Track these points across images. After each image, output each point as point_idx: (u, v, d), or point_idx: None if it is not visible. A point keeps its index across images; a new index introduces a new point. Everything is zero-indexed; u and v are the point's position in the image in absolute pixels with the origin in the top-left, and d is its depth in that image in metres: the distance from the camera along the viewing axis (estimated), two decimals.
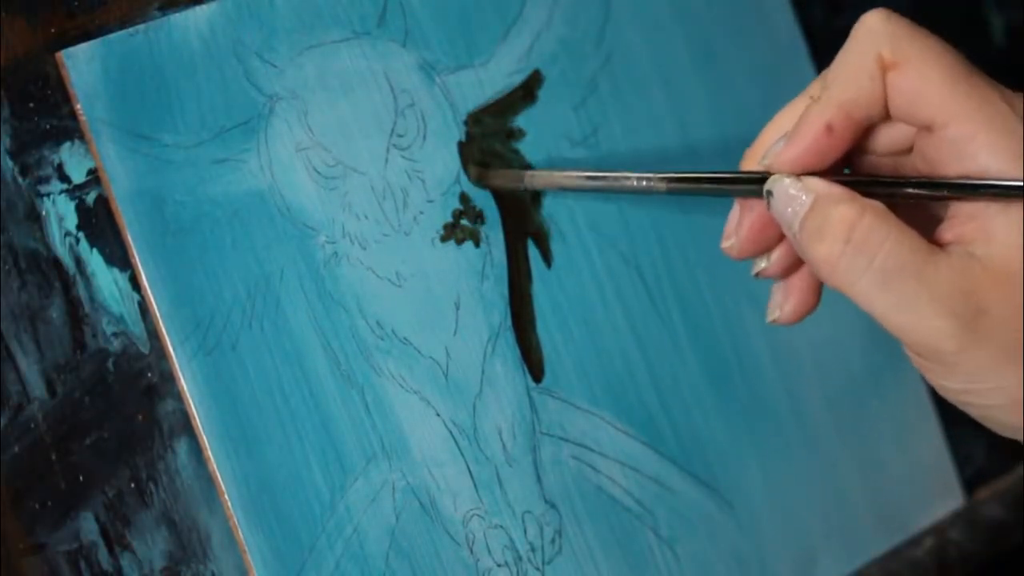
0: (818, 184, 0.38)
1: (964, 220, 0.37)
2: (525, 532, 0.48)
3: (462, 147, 0.49)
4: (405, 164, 0.48)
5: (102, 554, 0.42)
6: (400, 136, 0.48)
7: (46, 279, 0.43)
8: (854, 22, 0.39)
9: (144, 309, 0.44)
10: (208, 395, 0.44)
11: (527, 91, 0.51)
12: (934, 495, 0.57)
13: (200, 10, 0.45)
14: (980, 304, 0.35)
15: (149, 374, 0.44)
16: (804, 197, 0.38)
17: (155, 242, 0.43)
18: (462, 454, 0.48)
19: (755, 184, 0.40)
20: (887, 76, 0.37)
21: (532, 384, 0.49)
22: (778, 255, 0.41)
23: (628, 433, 0.51)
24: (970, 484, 0.58)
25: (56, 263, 0.43)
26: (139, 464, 0.43)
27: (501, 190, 0.48)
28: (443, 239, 0.48)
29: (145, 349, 0.44)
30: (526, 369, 0.49)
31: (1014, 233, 0.36)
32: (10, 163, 0.42)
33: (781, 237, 0.41)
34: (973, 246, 0.36)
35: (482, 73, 0.50)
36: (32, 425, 0.42)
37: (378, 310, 0.47)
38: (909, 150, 0.39)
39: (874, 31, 0.38)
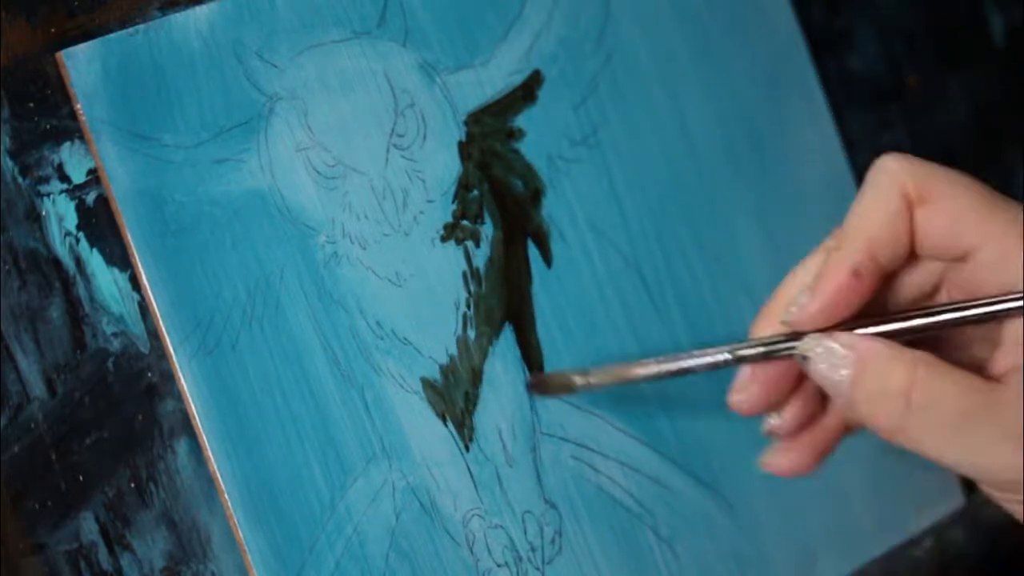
0: (859, 341, 0.36)
1: (1012, 346, 0.36)
2: (525, 532, 0.48)
3: (462, 147, 0.49)
4: (405, 164, 0.48)
5: (102, 554, 0.42)
6: (400, 136, 0.48)
7: (46, 279, 0.43)
8: (854, 22, 0.39)
9: (144, 309, 0.44)
10: (208, 395, 0.44)
11: (527, 91, 0.51)
12: (934, 495, 0.56)
13: (200, 10, 0.45)
14: None
15: (149, 374, 0.44)
16: (846, 361, 0.36)
17: (155, 242, 0.43)
18: (462, 454, 0.47)
19: (782, 345, 0.38)
20: (916, 213, 0.36)
21: None
22: (792, 413, 0.40)
23: (628, 433, 0.51)
24: (970, 484, 0.57)
25: (56, 263, 0.43)
26: (139, 464, 0.43)
27: (554, 386, 0.47)
28: (443, 239, 0.48)
29: (145, 349, 0.44)
30: (526, 369, 0.49)
31: None
32: (10, 163, 0.42)
33: (795, 389, 0.40)
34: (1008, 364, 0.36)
35: (482, 73, 0.50)
36: (32, 425, 0.42)
37: (378, 310, 0.47)
38: (934, 292, 0.39)
39: (894, 170, 0.37)
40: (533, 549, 0.48)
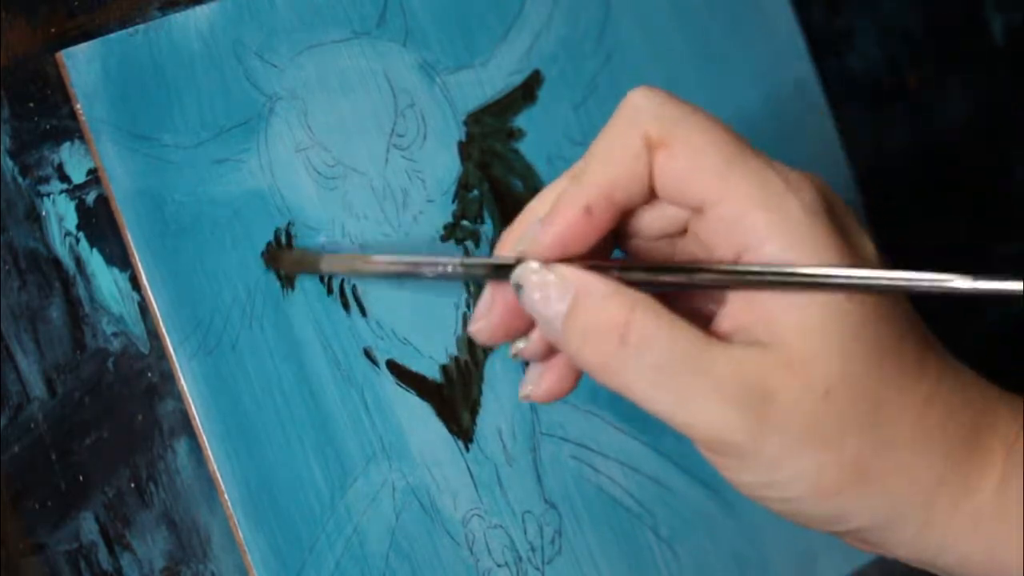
0: (578, 275, 0.35)
1: (742, 307, 0.35)
2: (525, 532, 0.48)
3: (462, 147, 0.49)
4: (405, 164, 0.48)
5: (102, 554, 0.42)
6: (400, 136, 0.48)
7: (46, 279, 0.43)
8: (854, 22, 0.38)
9: (144, 309, 0.44)
10: (208, 395, 0.43)
11: (527, 91, 0.51)
12: None
13: (200, 10, 0.45)
14: (767, 392, 0.33)
15: (149, 374, 0.44)
16: (561, 293, 0.35)
17: (155, 242, 0.43)
18: (462, 454, 0.47)
19: (505, 268, 0.36)
20: (654, 157, 0.35)
21: None
22: (538, 336, 0.38)
23: (628, 433, 0.51)
24: None
25: (56, 263, 0.43)
26: (139, 464, 0.43)
27: (292, 273, 0.45)
28: (443, 239, 0.48)
29: (145, 349, 0.44)
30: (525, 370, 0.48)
31: (795, 317, 0.34)
32: (10, 163, 0.42)
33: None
34: (754, 333, 0.34)
35: (482, 73, 0.50)
36: (32, 425, 0.42)
37: (378, 310, 0.47)
38: (682, 233, 0.37)
39: (640, 109, 0.35)
40: (533, 549, 0.48)
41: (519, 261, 0.36)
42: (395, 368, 0.47)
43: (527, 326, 0.38)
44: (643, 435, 0.51)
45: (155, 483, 0.43)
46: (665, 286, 0.36)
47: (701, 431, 0.34)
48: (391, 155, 0.48)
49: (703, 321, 0.36)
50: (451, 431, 0.48)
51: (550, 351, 0.39)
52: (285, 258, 0.45)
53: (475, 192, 0.49)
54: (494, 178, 0.50)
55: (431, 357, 0.47)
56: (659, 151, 0.35)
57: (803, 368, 0.34)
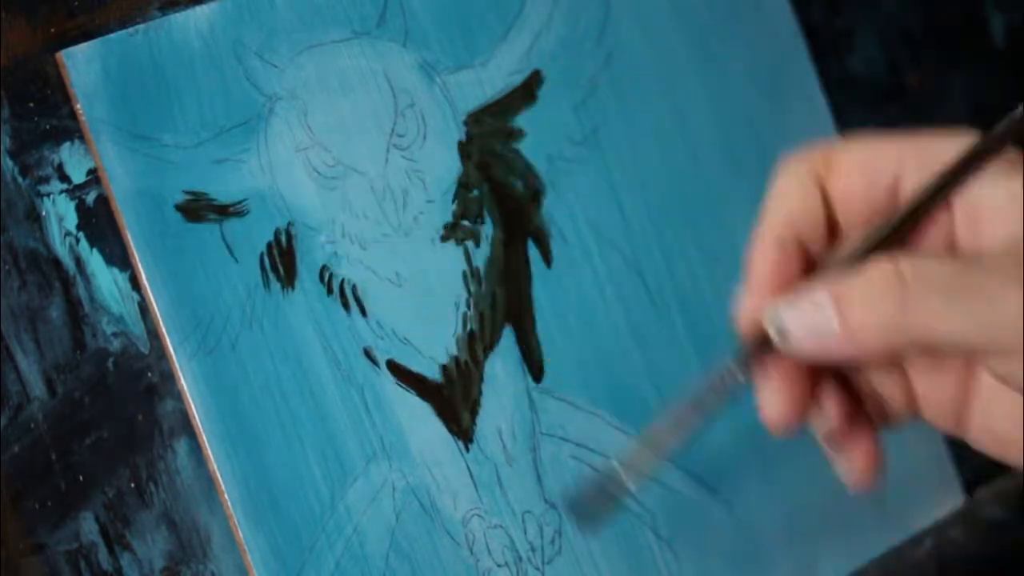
0: (824, 281, 0.34)
1: (967, 224, 0.35)
2: (525, 532, 0.48)
3: (462, 147, 0.49)
4: (405, 164, 0.48)
5: (102, 554, 0.43)
6: (400, 136, 0.48)
7: (46, 279, 0.43)
8: (854, 22, 0.38)
9: (144, 309, 0.44)
10: (208, 395, 0.44)
11: (527, 91, 0.51)
12: (934, 495, 0.56)
13: (200, 10, 0.45)
14: None
15: (149, 374, 0.44)
16: (822, 298, 0.34)
17: (155, 242, 0.44)
18: (462, 454, 0.48)
19: (748, 361, 0.34)
20: (831, 180, 0.36)
21: (532, 384, 0.49)
22: (832, 401, 0.36)
23: (628, 433, 0.50)
24: (970, 484, 0.57)
25: (56, 263, 0.43)
26: (139, 464, 0.44)
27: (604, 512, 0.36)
28: (443, 239, 0.48)
29: (145, 349, 0.44)
30: (526, 369, 0.49)
31: (1012, 198, 0.34)
32: (10, 163, 0.43)
33: (816, 380, 0.36)
34: (990, 234, 0.34)
35: (482, 73, 0.50)
36: (32, 425, 0.42)
37: (378, 310, 0.47)
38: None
39: (799, 155, 0.36)
40: (533, 549, 0.48)
41: (746, 351, 0.35)
42: (395, 368, 0.47)
43: (810, 388, 0.36)
44: None
45: (155, 483, 0.44)
46: (891, 241, 0.35)
47: (1006, 329, 0.33)
48: (391, 155, 0.48)
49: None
50: (451, 431, 0.48)
51: (849, 421, 0.37)
52: (591, 502, 0.36)
53: (475, 192, 0.49)
54: (494, 178, 0.50)
55: (431, 357, 0.48)
56: (832, 172, 0.36)
57: None
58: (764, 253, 0.36)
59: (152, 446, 0.44)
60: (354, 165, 0.47)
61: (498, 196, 0.50)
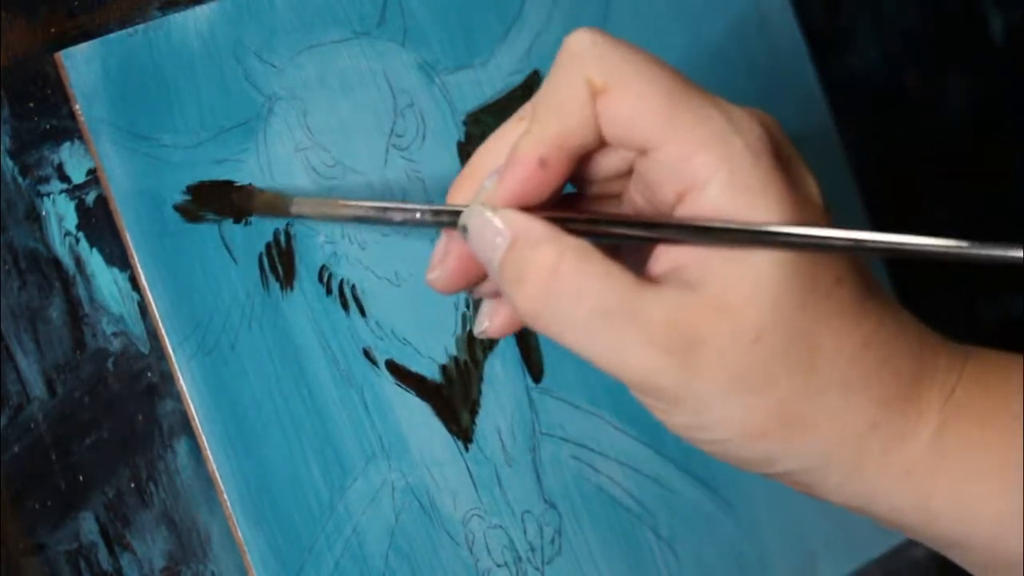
0: (517, 220, 0.35)
1: (676, 251, 0.35)
2: (525, 532, 0.48)
3: (462, 147, 0.49)
4: (404, 164, 0.48)
5: (102, 554, 0.42)
6: (399, 136, 0.48)
7: (46, 279, 0.43)
8: (854, 22, 0.38)
9: (144, 309, 0.44)
10: (207, 395, 0.43)
11: (527, 91, 0.50)
12: None
13: (200, 10, 0.45)
14: (696, 337, 0.33)
15: (149, 374, 0.44)
16: (501, 237, 0.35)
17: (154, 242, 0.43)
18: (461, 454, 0.47)
19: (456, 217, 0.37)
20: (598, 102, 0.35)
21: (532, 384, 0.49)
22: (490, 283, 0.38)
23: (628, 433, 0.50)
24: None
25: (56, 263, 0.43)
26: (139, 464, 0.43)
27: (261, 215, 0.44)
28: None
29: (145, 349, 0.44)
30: (526, 368, 0.49)
31: (726, 259, 0.33)
32: (10, 163, 0.42)
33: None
34: (687, 275, 0.34)
35: (481, 73, 0.49)
36: (32, 425, 0.42)
37: (377, 310, 0.47)
38: (630, 173, 0.37)
39: (579, 55, 0.35)
40: (533, 549, 0.48)
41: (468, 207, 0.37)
42: (394, 368, 0.47)
43: (483, 274, 0.38)
44: (643, 435, 0.51)
45: (155, 483, 0.43)
46: (609, 237, 0.36)
47: (631, 376, 0.34)
48: (390, 155, 0.48)
49: (642, 259, 0.36)
50: (450, 431, 0.48)
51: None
52: (257, 200, 0.44)
53: None
54: None
55: (430, 357, 0.47)
56: (602, 96, 0.35)
57: (733, 313, 0.33)
58: (524, 164, 0.35)
59: (152, 446, 0.43)
60: (353, 165, 0.47)
61: None
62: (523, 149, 0.35)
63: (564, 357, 0.50)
